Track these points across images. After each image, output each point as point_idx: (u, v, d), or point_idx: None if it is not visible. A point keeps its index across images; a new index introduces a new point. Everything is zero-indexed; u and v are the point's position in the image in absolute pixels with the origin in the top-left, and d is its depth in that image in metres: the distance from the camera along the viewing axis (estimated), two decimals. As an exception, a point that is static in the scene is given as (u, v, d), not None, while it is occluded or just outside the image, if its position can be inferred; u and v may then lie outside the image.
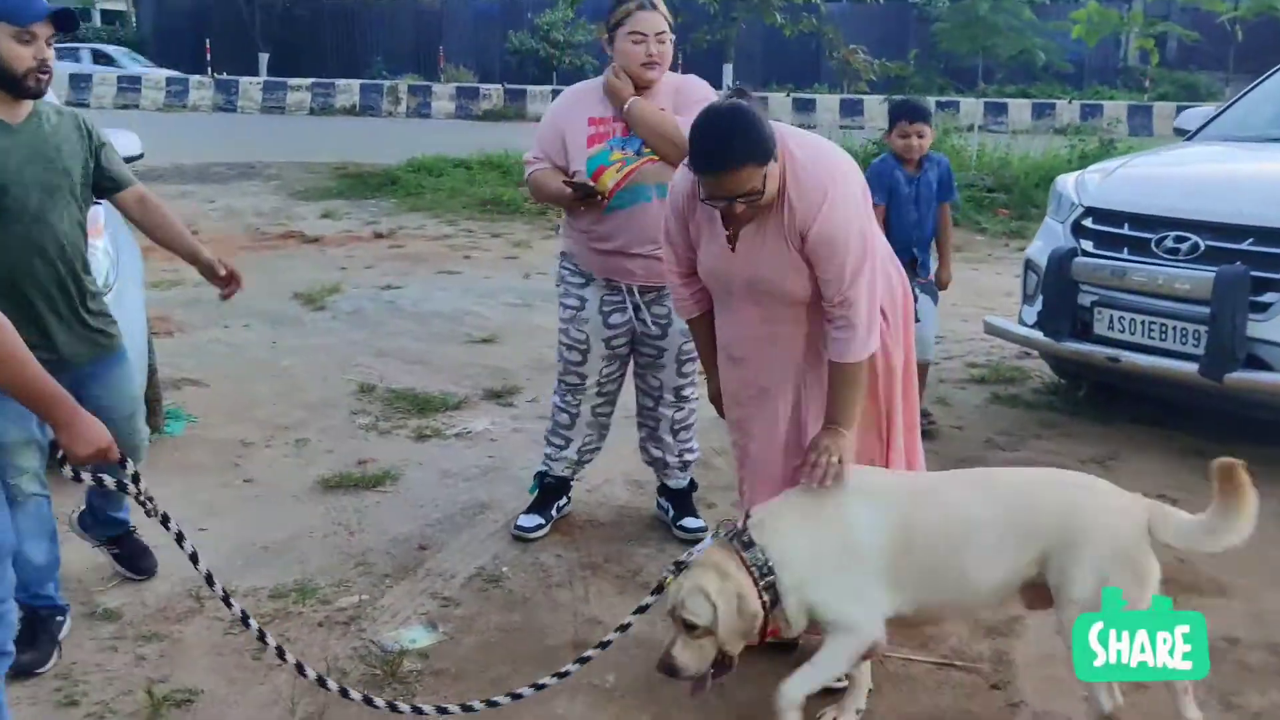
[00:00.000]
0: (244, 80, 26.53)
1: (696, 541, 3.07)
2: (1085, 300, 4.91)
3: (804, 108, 24.22)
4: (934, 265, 5.04)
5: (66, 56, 25.03)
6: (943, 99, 24.10)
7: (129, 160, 5.22)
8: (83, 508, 3.52)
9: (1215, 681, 3.05)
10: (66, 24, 2.92)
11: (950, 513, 2.64)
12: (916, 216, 4.83)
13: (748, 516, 2.67)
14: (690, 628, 2.52)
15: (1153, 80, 28.70)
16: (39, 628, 3.10)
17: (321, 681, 2.78)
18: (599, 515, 4.15)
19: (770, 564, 2.55)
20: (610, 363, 3.80)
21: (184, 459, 4.65)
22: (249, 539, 3.91)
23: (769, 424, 2.93)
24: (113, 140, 3.22)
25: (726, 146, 2.56)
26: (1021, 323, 5.30)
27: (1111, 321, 4.81)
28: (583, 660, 2.84)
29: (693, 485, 4.02)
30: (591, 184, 3.53)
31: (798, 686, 2.59)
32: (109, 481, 2.66)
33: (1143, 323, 4.71)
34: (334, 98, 25.92)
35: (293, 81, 26.31)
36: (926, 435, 4.05)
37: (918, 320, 4.60)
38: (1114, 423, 5.15)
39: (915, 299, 4.58)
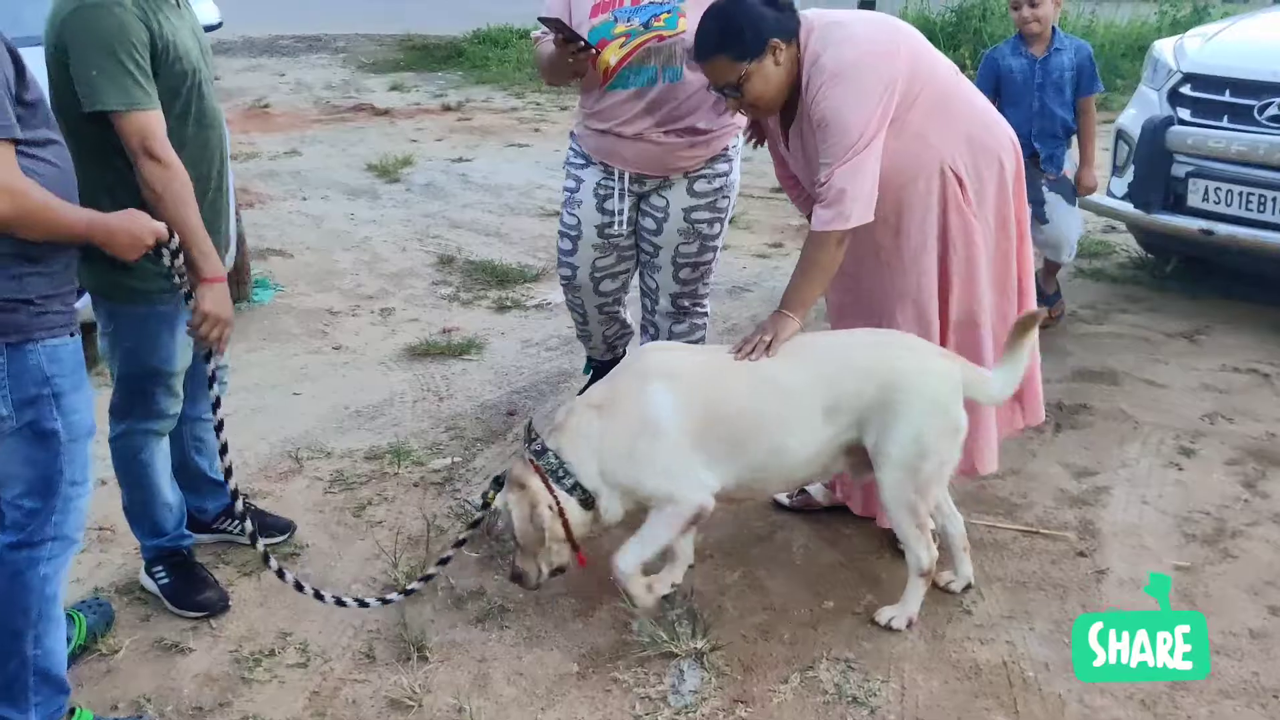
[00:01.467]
0: (304, -50, 26.12)
1: None
2: (1179, 171, 4.75)
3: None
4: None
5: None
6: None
7: (208, 29, 5.23)
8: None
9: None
10: None
11: (758, 385, 2.61)
12: (1037, 106, 4.34)
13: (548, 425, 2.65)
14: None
15: (1249, -59, 27.14)
16: (194, 565, 2.91)
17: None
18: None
19: (565, 465, 2.56)
20: (605, 254, 3.46)
21: (274, 326, 4.76)
22: (341, 403, 4.02)
23: (870, 320, 2.92)
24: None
25: (703, 38, 2.70)
26: (1110, 195, 5.15)
27: (1206, 193, 4.66)
28: (426, 578, 2.82)
29: None
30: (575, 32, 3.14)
31: (628, 558, 2.63)
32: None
33: (1240, 194, 4.55)
34: (395, -33, 25.46)
35: (353, -50, 25.85)
36: (1043, 329, 3.64)
37: (1046, 221, 4.39)
38: (1202, 297, 5.04)
39: (1042, 201, 4.38)
